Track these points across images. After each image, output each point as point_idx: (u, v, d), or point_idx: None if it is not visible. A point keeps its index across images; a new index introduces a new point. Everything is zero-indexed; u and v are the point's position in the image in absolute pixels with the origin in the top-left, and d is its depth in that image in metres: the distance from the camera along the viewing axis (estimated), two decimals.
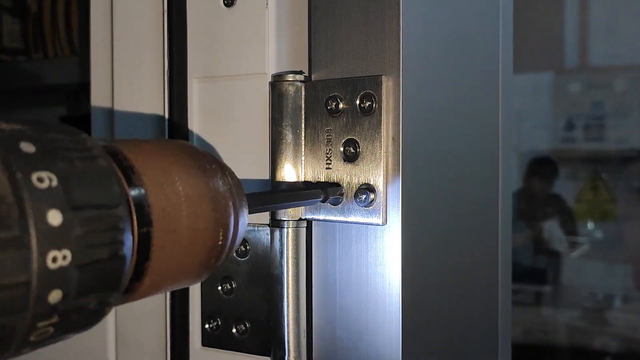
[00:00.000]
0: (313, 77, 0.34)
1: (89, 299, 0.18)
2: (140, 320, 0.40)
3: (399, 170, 0.32)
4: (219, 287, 0.37)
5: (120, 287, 0.19)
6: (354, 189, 0.33)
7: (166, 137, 0.39)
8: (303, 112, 0.35)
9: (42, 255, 0.17)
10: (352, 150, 0.33)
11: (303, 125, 0.35)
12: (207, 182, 0.23)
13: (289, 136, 0.35)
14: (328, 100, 0.34)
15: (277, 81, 0.35)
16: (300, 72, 0.35)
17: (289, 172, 0.35)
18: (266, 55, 0.36)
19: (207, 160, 0.24)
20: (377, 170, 0.32)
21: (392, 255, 0.32)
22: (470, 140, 0.40)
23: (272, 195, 0.33)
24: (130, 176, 0.20)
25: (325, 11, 0.34)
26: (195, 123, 0.38)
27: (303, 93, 0.34)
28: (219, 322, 0.38)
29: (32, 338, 0.18)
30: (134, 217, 0.20)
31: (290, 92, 0.34)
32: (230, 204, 0.24)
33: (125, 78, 0.41)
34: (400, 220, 0.32)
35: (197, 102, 0.38)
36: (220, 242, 0.23)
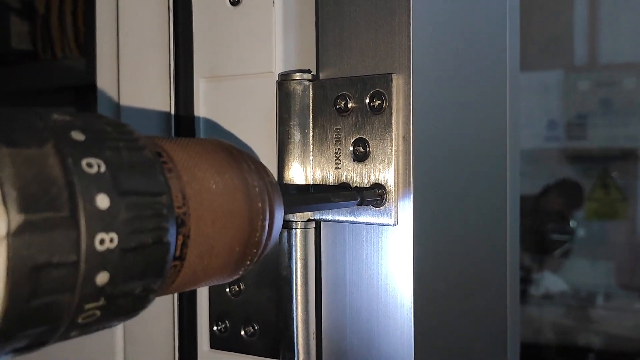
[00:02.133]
0: (321, 76, 0.34)
1: (134, 284, 0.19)
2: (149, 322, 0.40)
3: (410, 170, 0.31)
4: (227, 289, 0.37)
5: (164, 273, 0.20)
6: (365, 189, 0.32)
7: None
8: (311, 112, 0.34)
9: (90, 236, 0.17)
10: (362, 150, 0.32)
11: (311, 124, 0.34)
12: (243, 177, 0.24)
13: (296, 136, 0.34)
14: (337, 99, 0.33)
15: (284, 80, 0.34)
16: (308, 71, 0.34)
17: (296, 173, 0.34)
18: (273, 54, 0.35)
19: (244, 158, 0.25)
20: (387, 169, 0.32)
21: (404, 256, 0.32)
22: (478, 139, 0.39)
23: (309, 197, 0.32)
24: (171, 168, 0.21)
25: (333, 8, 0.33)
26: (202, 122, 0.38)
27: (311, 92, 0.34)
28: (227, 324, 0.37)
29: (79, 320, 0.18)
30: (174, 206, 0.20)
31: (298, 91, 0.34)
32: (266, 200, 0.24)
33: (132, 78, 0.41)
34: (412, 221, 0.32)
35: (203, 101, 0.38)
36: (255, 239, 0.24)
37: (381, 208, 0.32)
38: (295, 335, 0.34)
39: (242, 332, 0.37)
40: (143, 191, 0.19)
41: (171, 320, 0.39)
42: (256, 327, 0.36)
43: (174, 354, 0.39)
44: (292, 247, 0.34)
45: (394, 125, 0.31)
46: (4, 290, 0.16)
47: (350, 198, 0.31)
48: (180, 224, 0.21)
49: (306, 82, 0.34)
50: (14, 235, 0.16)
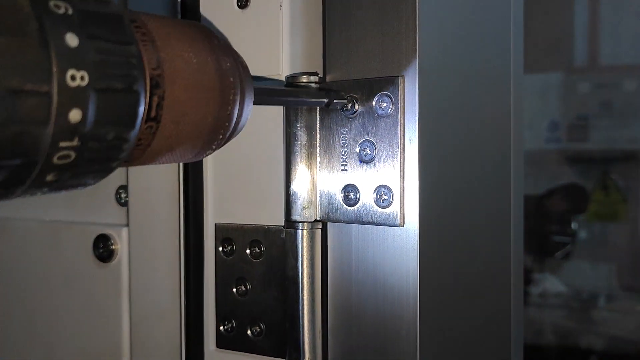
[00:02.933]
0: (328, 78, 0.34)
1: (106, 128, 0.19)
2: (155, 322, 0.40)
3: (416, 172, 0.32)
4: (234, 289, 0.37)
5: (135, 124, 0.20)
6: (371, 191, 0.33)
7: None
8: (318, 114, 0.34)
9: (62, 70, 0.17)
10: (369, 152, 0.33)
11: (318, 126, 0.35)
12: (215, 52, 0.24)
13: (303, 138, 0.35)
14: (340, 92, 0.33)
15: (291, 82, 0.35)
16: (315, 74, 0.35)
17: (303, 174, 0.35)
18: (280, 57, 0.35)
19: (217, 37, 0.25)
20: (394, 171, 0.32)
21: (410, 257, 0.32)
22: (482, 141, 0.40)
23: (279, 90, 0.33)
24: (142, 28, 0.22)
25: (340, 12, 0.34)
26: None
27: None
28: (234, 324, 0.38)
29: (55, 160, 0.18)
30: (145, 59, 0.21)
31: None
32: (237, 76, 0.25)
33: None
34: (418, 222, 0.32)
35: None
36: (226, 112, 0.24)
37: (387, 209, 0.32)
38: (301, 334, 0.35)
39: (249, 332, 0.37)
40: (111, 38, 0.19)
41: (178, 320, 0.39)
42: (262, 327, 0.37)
43: (181, 354, 0.39)
44: (298, 248, 0.35)
45: (400, 128, 0.32)
46: None
47: (318, 97, 0.32)
48: (155, 85, 0.21)
49: (313, 84, 0.34)
50: None
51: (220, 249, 0.38)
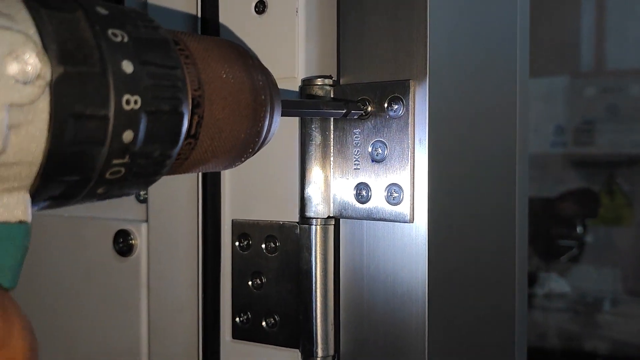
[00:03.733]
0: (342, 81, 0.36)
1: (153, 147, 0.21)
2: (173, 313, 0.42)
3: (425, 171, 0.33)
4: (250, 282, 0.39)
5: (178, 142, 0.22)
6: (382, 189, 0.34)
7: None
8: None
9: (118, 95, 0.19)
10: (380, 152, 0.34)
11: (332, 127, 0.36)
12: (249, 71, 0.26)
13: (317, 137, 0.36)
14: (357, 103, 0.35)
15: (306, 85, 0.36)
16: (329, 77, 0.36)
17: (317, 173, 0.36)
18: (296, 60, 0.37)
19: (251, 56, 0.27)
20: (404, 170, 0.34)
21: (419, 251, 0.34)
22: (489, 142, 0.41)
23: (302, 102, 0.35)
24: (187, 55, 0.23)
25: (354, 17, 0.36)
26: None
27: (332, 96, 0.36)
28: (249, 316, 0.39)
29: (107, 175, 0.20)
30: (188, 82, 0.22)
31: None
32: (268, 94, 0.27)
33: None
34: (427, 219, 0.34)
35: None
36: (257, 128, 0.26)
37: (398, 206, 0.34)
38: (314, 326, 0.36)
39: (264, 323, 0.39)
40: (160, 63, 0.21)
41: (195, 312, 0.41)
42: (277, 319, 0.38)
43: (198, 344, 0.41)
44: (312, 243, 0.36)
45: (410, 129, 0.33)
46: (47, 133, 0.18)
47: (337, 108, 0.34)
48: (196, 105, 0.23)
49: (327, 87, 0.36)
50: (56, 83, 0.17)
51: (237, 243, 0.39)
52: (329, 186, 0.36)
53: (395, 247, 0.35)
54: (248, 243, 0.39)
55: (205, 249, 0.40)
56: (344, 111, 0.34)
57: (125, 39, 0.20)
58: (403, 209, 0.34)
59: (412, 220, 0.34)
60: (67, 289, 0.47)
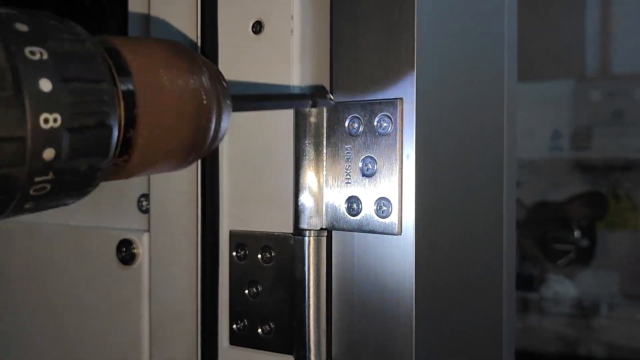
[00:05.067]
0: (334, 99, 0.38)
1: (79, 161, 0.21)
2: (173, 320, 0.44)
3: (413, 185, 0.35)
4: (246, 291, 0.41)
5: (108, 154, 0.22)
6: (372, 202, 0.36)
7: None
8: (325, 131, 0.38)
9: (35, 115, 0.19)
10: (370, 167, 0.36)
11: (324, 143, 0.38)
12: (191, 74, 0.25)
13: (311, 153, 0.38)
14: (348, 121, 0.37)
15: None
16: None
17: (310, 186, 0.38)
18: (291, 78, 0.39)
19: (194, 57, 0.26)
20: (393, 185, 0.35)
21: (407, 262, 0.35)
22: (476, 154, 0.42)
23: (260, 97, 0.35)
24: (118, 60, 0.23)
25: (346, 39, 0.37)
26: (225, 139, 0.41)
27: (325, 114, 0.38)
28: (246, 323, 0.41)
29: (31, 192, 0.20)
30: (119, 93, 0.22)
31: (313, 113, 0.37)
32: (213, 97, 0.26)
33: None
34: (414, 230, 0.35)
35: None
36: (202, 131, 0.26)
37: (387, 219, 0.36)
38: (307, 333, 0.38)
39: (259, 330, 0.40)
40: (84, 78, 0.20)
41: (194, 319, 0.43)
42: (272, 326, 0.40)
43: (197, 350, 0.42)
44: (305, 253, 0.38)
45: (398, 146, 0.35)
46: None
47: (302, 99, 0.34)
48: (128, 116, 0.22)
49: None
50: None
51: (234, 253, 0.41)
52: (322, 199, 0.38)
53: (384, 258, 0.36)
54: (245, 253, 0.41)
55: (204, 258, 0.42)
56: (309, 101, 0.34)
57: (45, 57, 0.19)
58: (391, 221, 0.35)
59: (400, 233, 0.35)
60: (72, 295, 0.49)
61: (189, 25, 0.42)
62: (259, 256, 0.40)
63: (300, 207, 0.38)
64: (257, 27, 0.40)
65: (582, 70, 2.56)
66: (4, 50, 0.19)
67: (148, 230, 0.45)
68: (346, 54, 0.37)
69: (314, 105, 0.35)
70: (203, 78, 0.26)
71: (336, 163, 0.37)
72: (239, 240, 0.41)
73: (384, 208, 0.36)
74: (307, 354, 0.38)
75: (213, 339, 0.42)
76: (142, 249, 0.45)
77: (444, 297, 0.39)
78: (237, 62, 0.40)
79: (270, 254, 0.40)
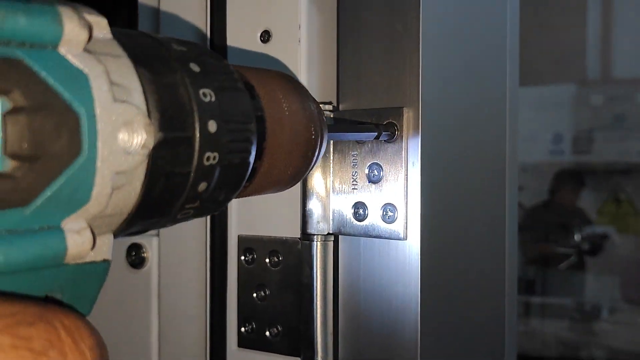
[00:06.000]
0: (341, 107, 0.38)
1: (220, 192, 0.23)
2: (182, 323, 0.44)
3: (418, 192, 0.36)
4: (254, 294, 0.41)
5: (240, 186, 0.24)
6: (378, 208, 0.37)
7: None
8: None
9: (201, 154, 0.21)
10: (376, 173, 0.37)
11: (331, 149, 0.39)
12: (303, 102, 0.28)
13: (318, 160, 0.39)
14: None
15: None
16: (330, 103, 0.39)
17: (318, 192, 0.39)
18: None
19: (303, 88, 0.29)
20: (398, 191, 0.36)
21: (412, 267, 0.36)
22: (479, 160, 0.43)
23: (342, 126, 0.37)
24: (254, 96, 0.25)
25: (352, 48, 0.38)
26: None
27: (332, 122, 0.38)
28: (254, 326, 0.42)
29: (179, 216, 0.22)
30: (255, 131, 0.24)
31: None
32: (318, 124, 0.28)
33: None
34: (420, 236, 0.36)
35: None
36: (309, 159, 0.28)
37: (393, 225, 0.36)
38: (314, 335, 0.38)
39: (267, 333, 0.41)
40: (238, 119, 0.23)
41: (203, 322, 0.43)
42: (280, 329, 0.41)
43: (206, 352, 0.43)
44: (312, 258, 0.39)
45: (404, 153, 0.36)
46: (141, 189, 0.20)
47: (369, 130, 0.36)
48: (259, 153, 0.25)
49: (328, 112, 0.38)
50: (155, 148, 0.19)
51: (242, 258, 0.42)
52: (329, 205, 0.39)
53: (389, 263, 0.37)
54: (253, 257, 0.41)
55: (212, 262, 0.43)
56: (375, 133, 0.36)
57: (213, 98, 0.21)
58: (397, 227, 0.36)
59: (405, 238, 0.36)
60: None
61: (198, 33, 0.43)
62: (267, 260, 0.41)
63: (307, 213, 0.39)
64: (265, 36, 0.40)
65: (583, 75, 2.57)
66: (187, 94, 0.21)
67: (157, 235, 0.46)
68: (352, 62, 0.38)
69: (377, 137, 0.36)
70: (311, 106, 0.28)
71: (343, 169, 0.38)
72: (247, 244, 0.42)
73: (390, 214, 0.36)
74: (315, 356, 0.38)
75: (221, 342, 0.43)
76: (151, 252, 0.46)
77: (449, 301, 0.39)
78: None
79: (278, 258, 0.41)
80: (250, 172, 0.25)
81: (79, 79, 0.18)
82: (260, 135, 0.25)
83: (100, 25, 0.19)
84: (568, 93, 2.55)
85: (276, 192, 0.29)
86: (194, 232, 0.44)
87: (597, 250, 2.02)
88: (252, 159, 0.24)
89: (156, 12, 0.46)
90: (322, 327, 0.39)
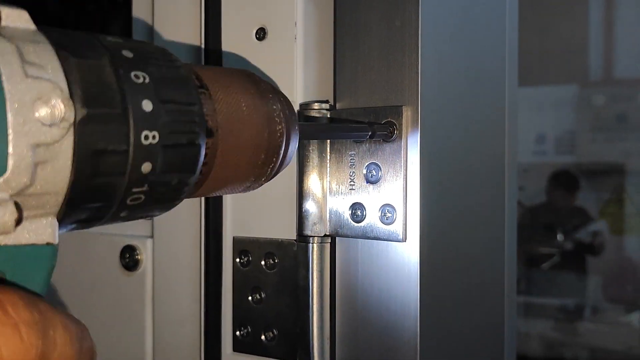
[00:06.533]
0: (338, 106, 0.38)
1: (171, 176, 0.23)
2: (177, 327, 0.44)
3: (417, 192, 0.35)
4: (249, 297, 0.40)
5: (195, 170, 0.24)
6: (376, 209, 0.36)
7: None
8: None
9: (137, 132, 0.21)
10: (375, 173, 0.36)
11: (328, 149, 0.38)
12: (262, 96, 0.28)
13: (315, 159, 0.38)
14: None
15: (304, 109, 0.38)
16: (326, 101, 0.38)
17: (315, 192, 0.38)
18: (294, 85, 0.39)
19: (266, 86, 0.29)
20: (397, 191, 0.35)
21: (411, 269, 0.35)
22: (479, 161, 0.42)
23: (324, 126, 0.36)
24: (203, 85, 0.25)
25: (349, 45, 0.37)
26: None
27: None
28: (249, 330, 0.41)
29: (128, 201, 0.22)
30: (206, 116, 0.24)
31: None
32: (281, 114, 0.28)
33: None
34: (419, 237, 0.35)
35: None
36: (274, 143, 0.28)
37: (391, 226, 0.35)
38: (311, 340, 0.38)
39: (263, 337, 0.40)
40: (179, 101, 0.23)
41: (198, 325, 0.42)
42: (275, 332, 0.40)
43: (200, 356, 0.42)
44: (309, 260, 0.38)
45: (403, 152, 0.35)
46: (70, 167, 0.20)
47: (362, 130, 0.35)
48: (210, 134, 0.25)
49: (324, 111, 0.37)
50: (79, 124, 0.20)
51: (238, 260, 0.41)
52: (326, 206, 0.38)
53: (388, 265, 0.36)
54: (248, 259, 0.41)
55: (207, 264, 0.42)
56: (369, 132, 0.35)
57: (147, 80, 0.22)
58: (396, 228, 0.35)
59: (404, 240, 0.35)
60: (75, 301, 0.48)
61: (193, 31, 0.42)
62: (262, 263, 0.40)
63: (303, 214, 0.38)
64: (261, 34, 0.40)
65: (585, 75, 2.57)
66: (114, 74, 0.21)
67: (152, 237, 0.45)
68: (349, 60, 0.37)
69: (372, 136, 0.35)
70: (274, 104, 0.28)
71: (340, 169, 0.37)
72: (242, 246, 0.41)
73: (389, 215, 0.36)
74: None
75: (216, 346, 0.42)
76: (145, 255, 0.45)
77: (449, 305, 0.38)
78: (240, 67, 0.40)
79: (273, 260, 0.40)
80: (208, 161, 0.25)
81: None
82: (213, 124, 0.25)
83: (21, 17, 0.20)
84: (569, 93, 2.54)
85: (244, 188, 0.29)
86: (188, 233, 0.43)
87: (588, 250, 2.02)
88: (201, 141, 0.24)
89: (150, 9, 0.45)
90: (319, 331, 0.38)
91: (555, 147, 2.46)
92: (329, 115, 0.38)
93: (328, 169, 0.38)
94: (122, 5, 0.48)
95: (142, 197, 0.22)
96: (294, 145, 0.29)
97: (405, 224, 0.35)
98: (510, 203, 0.44)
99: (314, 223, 0.38)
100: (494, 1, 0.44)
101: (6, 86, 0.18)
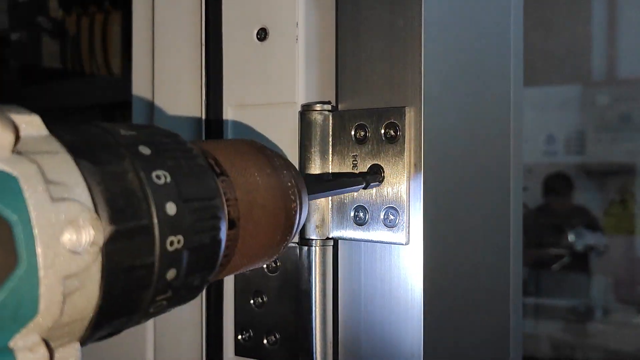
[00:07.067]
0: (340, 107, 0.37)
1: (194, 277, 0.22)
2: (178, 331, 0.43)
3: (420, 194, 0.34)
4: (251, 301, 0.40)
5: (216, 266, 0.23)
6: (379, 211, 0.35)
7: None
8: (330, 139, 0.37)
9: (163, 240, 0.20)
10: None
11: (330, 151, 0.37)
12: (277, 174, 0.27)
13: (317, 161, 0.37)
14: (355, 128, 0.36)
15: (306, 110, 0.37)
16: (328, 102, 0.38)
17: None
18: (296, 86, 0.38)
19: (275, 157, 0.28)
20: (400, 193, 0.35)
21: (415, 272, 0.35)
22: (483, 162, 0.42)
23: (323, 185, 0.36)
24: (223, 172, 0.24)
25: (351, 46, 0.37)
26: None
27: (330, 122, 0.37)
28: (251, 333, 0.40)
29: (151, 310, 0.21)
30: (225, 206, 0.23)
31: (319, 121, 0.37)
32: (296, 193, 0.28)
33: (166, 104, 0.44)
34: (423, 240, 0.34)
35: (231, 127, 0.41)
36: (289, 222, 0.27)
37: (394, 228, 0.35)
38: (313, 344, 0.37)
39: (265, 341, 0.40)
40: (201, 197, 0.22)
41: (199, 330, 0.42)
42: (277, 336, 0.39)
43: None
44: (311, 263, 0.37)
45: (406, 154, 0.34)
46: (98, 291, 0.18)
47: (356, 183, 0.35)
48: (232, 225, 0.24)
49: (326, 113, 0.37)
50: (106, 244, 0.18)
51: None
52: (328, 208, 0.37)
53: (391, 268, 0.36)
54: None
55: None
56: (363, 185, 0.35)
57: (168, 180, 0.20)
58: (399, 231, 0.35)
59: (407, 243, 0.35)
60: None
61: (193, 32, 0.42)
62: (264, 266, 0.39)
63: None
64: (262, 34, 0.39)
65: (588, 75, 2.56)
66: (137, 179, 0.20)
67: None
68: (351, 60, 0.37)
69: (365, 187, 0.35)
70: (289, 180, 0.27)
71: (342, 171, 0.37)
72: None
73: (391, 217, 0.35)
74: None
75: (218, 350, 0.41)
76: None
77: (453, 309, 0.38)
78: (242, 69, 0.40)
79: (275, 263, 0.39)
80: (228, 253, 0.24)
81: (8, 183, 0.16)
82: (235, 214, 0.24)
83: (33, 123, 0.18)
84: (573, 94, 2.54)
85: (259, 266, 0.28)
86: None
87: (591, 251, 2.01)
88: (223, 235, 0.22)
89: (150, 9, 0.45)
90: (321, 335, 0.37)
91: (566, 147, 2.45)
92: (331, 117, 0.37)
93: (330, 170, 0.37)
94: (122, 6, 0.48)
95: (165, 303, 0.21)
96: (304, 217, 0.29)
97: (408, 227, 0.35)
98: (515, 205, 0.44)
99: (317, 226, 0.37)
100: (498, 1, 0.44)
101: (34, 216, 0.17)
